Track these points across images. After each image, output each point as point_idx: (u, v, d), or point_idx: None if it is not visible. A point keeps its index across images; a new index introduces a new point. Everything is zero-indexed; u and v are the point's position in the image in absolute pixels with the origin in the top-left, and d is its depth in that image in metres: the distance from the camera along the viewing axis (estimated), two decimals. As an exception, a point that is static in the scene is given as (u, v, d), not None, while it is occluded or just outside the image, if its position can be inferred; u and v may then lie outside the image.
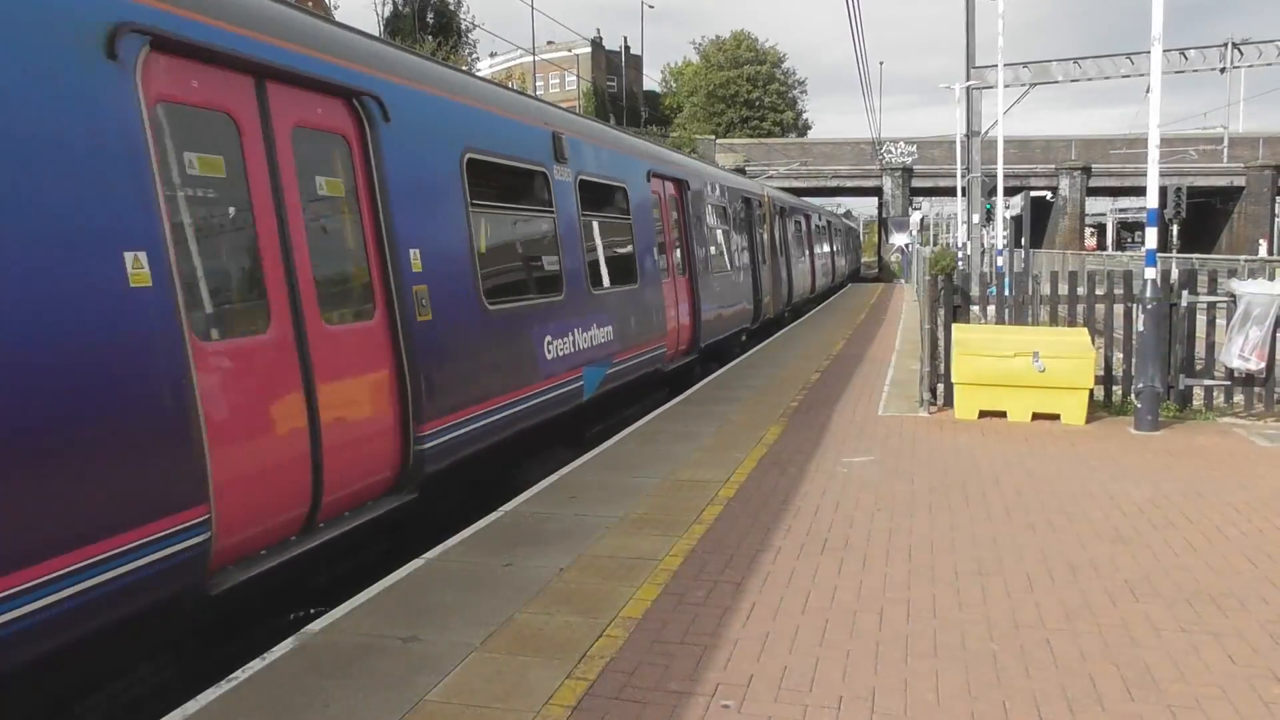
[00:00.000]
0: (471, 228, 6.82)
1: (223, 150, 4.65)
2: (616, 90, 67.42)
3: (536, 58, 53.20)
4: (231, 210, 4.75)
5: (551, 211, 8.47)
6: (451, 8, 45.30)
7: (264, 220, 4.83)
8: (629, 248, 10.70)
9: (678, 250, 12.98)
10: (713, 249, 14.77)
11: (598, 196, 9.87)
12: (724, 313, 14.91)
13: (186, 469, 4.08)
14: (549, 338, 7.99)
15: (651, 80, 75.89)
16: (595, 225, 9.65)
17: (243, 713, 3.74)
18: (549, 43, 66.70)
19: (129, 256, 3.91)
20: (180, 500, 4.05)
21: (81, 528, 3.63)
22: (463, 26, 45.10)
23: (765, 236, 19.74)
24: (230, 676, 4.05)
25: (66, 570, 3.55)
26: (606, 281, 9.74)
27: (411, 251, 5.94)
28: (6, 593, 3.35)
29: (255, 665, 4.14)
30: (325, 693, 3.88)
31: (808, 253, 27.09)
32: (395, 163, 5.86)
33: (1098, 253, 48.11)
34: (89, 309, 3.71)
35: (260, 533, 4.69)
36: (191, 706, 3.80)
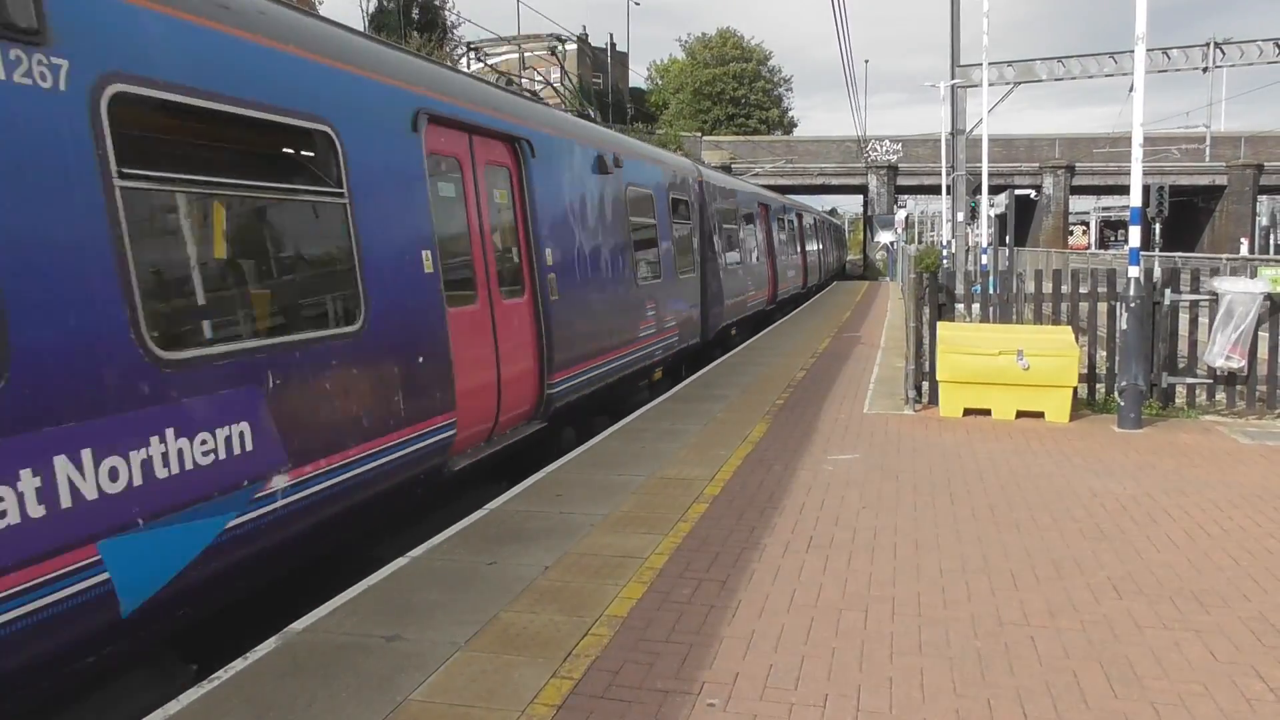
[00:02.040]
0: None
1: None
2: (602, 87, 67.31)
3: (523, 54, 53.09)
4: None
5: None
6: (437, 3, 45.12)
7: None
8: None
9: (512, 253, 7.90)
10: (587, 249, 9.46)
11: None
12: (602, 343, 9.71)
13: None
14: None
15: (638, 76, 75.78)
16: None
17: (225, 712, 3.71)
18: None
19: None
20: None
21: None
22: (448, 22, 44.91)
23: (699, 235, 14.90)
24: (213, 676, 4.01)
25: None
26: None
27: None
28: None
29: (237, 664, 4.11)
30: (308, 692, 3.85)
31: (767, 253, 21.49)
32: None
33: (1082, 251, 48.35)
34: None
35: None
36: (173, 706, 3.76)
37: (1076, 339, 9.37)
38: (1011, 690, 3.76)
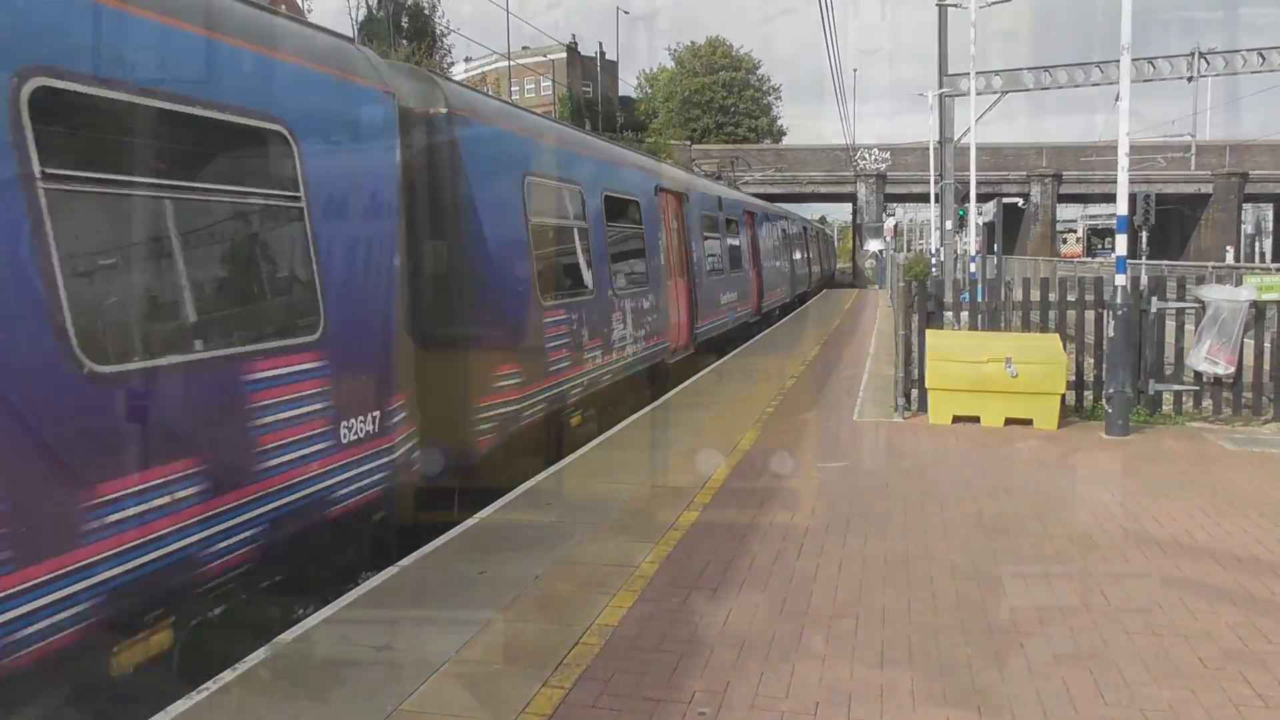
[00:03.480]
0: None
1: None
2: (592, 95, 67.42)
3: (512, 63, 53.15)
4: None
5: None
6: (427, 12, 45.14)
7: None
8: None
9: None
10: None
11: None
12: None
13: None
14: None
15: (628, 85, 75.94)
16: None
17: (213, 724, 3.69)
18: (524, 48, 66.62)
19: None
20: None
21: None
22: (438, 31, 44.92)
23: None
24: (201, 687, 3.98)
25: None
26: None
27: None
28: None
29: (226, 676, 4.08)
30: (297, 703, 3.83)
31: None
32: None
33: (1070, 259, 48.57)
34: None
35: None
36: (161, 718, 3.74)
37: (1064, 346, 9.42)
38: (1002, 697, 3.77)
